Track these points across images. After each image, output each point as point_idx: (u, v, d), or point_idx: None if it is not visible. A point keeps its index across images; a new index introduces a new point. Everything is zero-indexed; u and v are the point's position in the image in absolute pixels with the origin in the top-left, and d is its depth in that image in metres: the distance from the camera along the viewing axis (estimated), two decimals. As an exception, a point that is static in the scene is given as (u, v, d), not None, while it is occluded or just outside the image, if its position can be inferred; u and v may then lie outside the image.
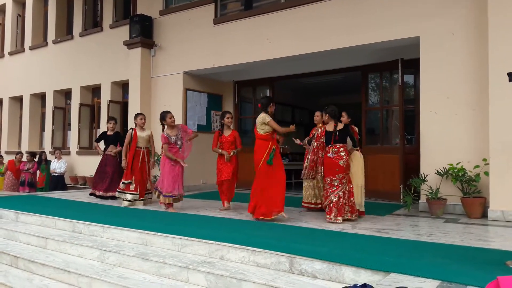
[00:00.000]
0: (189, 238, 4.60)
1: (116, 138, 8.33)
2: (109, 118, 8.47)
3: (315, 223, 5.48)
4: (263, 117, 5.77)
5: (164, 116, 6.76)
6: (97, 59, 11.72)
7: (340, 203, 5.45)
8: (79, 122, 12.10)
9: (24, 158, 12.09)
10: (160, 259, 4.31)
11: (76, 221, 5.83)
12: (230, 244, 4.26)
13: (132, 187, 7.25)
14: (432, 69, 6.56)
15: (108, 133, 8.35)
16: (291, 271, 3.81)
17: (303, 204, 6.66)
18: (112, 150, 8.23)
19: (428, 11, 6.62)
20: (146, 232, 5.00)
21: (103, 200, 8.04)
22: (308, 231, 4.98)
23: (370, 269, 3.42)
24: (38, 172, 11.75)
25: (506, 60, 5.59)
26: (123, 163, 7.41)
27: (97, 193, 8.13)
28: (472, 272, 3.19)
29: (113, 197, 7.98)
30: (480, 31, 6.10)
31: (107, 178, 8.11)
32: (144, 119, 7.57)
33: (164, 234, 4.82)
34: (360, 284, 3.30)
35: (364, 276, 3.43)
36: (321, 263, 3.66)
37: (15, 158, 12.10)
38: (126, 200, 7.26)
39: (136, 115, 7.62)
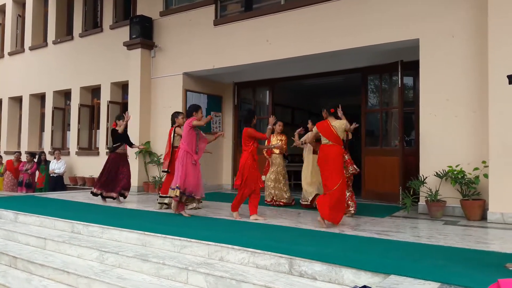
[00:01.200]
0: (188, 239, 4.60)
1: (127, 136, 7.82)
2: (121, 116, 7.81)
3: (314, 224, 5.47)
4: (345, 123, 5.46)
5: (198, 109, 6.38)
6: (97, 60, 11.73)
7: None
8: (79, 122, 12.10)
9: (24, 158, 12.08)
10: (160, 260, 4.30)
11: (75, 221, 5.82)
12: (230, 245, 4.26)
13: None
14: (432, 71, 6.56)
15: (120, 131, 7.61)
16: (291, 272, 3.80)
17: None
18: (123, 148, 7.69)
19: (428, 13, 6.64)
20: (146, 233, 5.00)
21: (113, 200, 7.66)
22: (307, 233, 4.97)
23: (370, 271, 3.42)
24: (37, 172, 11.74)
25: (506, 62, 5.59)
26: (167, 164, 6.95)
27: (113, 194, 7.59)
28: (472, 274, 3.19)
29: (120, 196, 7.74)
30: (480, 33, 6.11)
31: (124, 178, 7.63)
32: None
33: (164, 235, 4.81)
34: (360, 286, 3.31)
35: (364, 278, 3.43)
36: (320, 265, 3.66)
37: (13, 158, 12.09)
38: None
39: (178, 114, 7.18)
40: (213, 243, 4.39)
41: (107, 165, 7.68)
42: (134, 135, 10.01)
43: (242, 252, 4.15)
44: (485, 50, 5.94)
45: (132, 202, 8.21)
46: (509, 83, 3.73)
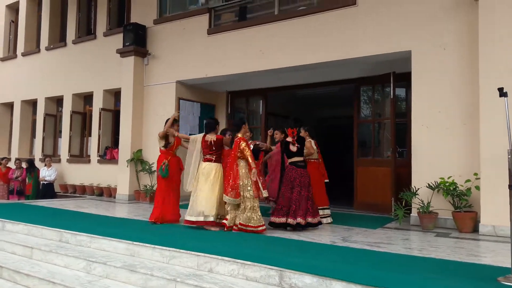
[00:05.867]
0: (177, 250, 4.53)
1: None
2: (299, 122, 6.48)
3: (305, 235, 5.43)
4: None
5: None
6: (90, 67, 11.67)
7: None
8: (70, 129, 11.99)
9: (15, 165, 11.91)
10: (148, 271, 4.23)
11: (63, 230, 5.73)
12: (220, 257, 4.20)
13: None
14: (424, 83, 6.59)
15: (287, 139, 6.16)
16: (281, 285, 3.75)
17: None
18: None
19: (419, 26, 6.68)
20: (134, 243, 4.92)
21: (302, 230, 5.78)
22: (298, 244, 4.93)
23: (360, 283, 3.38)
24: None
25: (497, 75, 5.63)
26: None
27: (296, 221, 5.67)
28: (463, 288, 3.16)
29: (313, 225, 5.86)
30: (471, 45, 6.16)
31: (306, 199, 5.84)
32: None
33: (153, 246, 4.74)
34: (350, 299, 3.26)
35: (354, 291, 3.39)
36: (311, 277, 3.61)
37: (0, 163, 11.91)
38: None
39: (226, 130, 6.52)
40: (203, 254, 4.33)
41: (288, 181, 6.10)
42: (126, 142, 9.97)
43: (231, 263, 4.10)
44: (476, 63, 5.98)
45: (122, 211, 8.12)
46: (500, 96, 3.74)
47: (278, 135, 6.88)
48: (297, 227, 5.69)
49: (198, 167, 6.07)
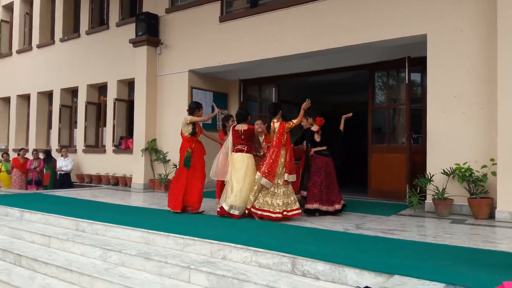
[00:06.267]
0: (191, 238, 4.58)
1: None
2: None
3: (318, 223, 5.42)
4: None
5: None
6: (104, 57, 11.75)
7: None
8: (86, 120, 12.14)
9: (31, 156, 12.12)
10: (162, 258, 4.29)
11: (80, 219, 5.84)
12: (233, 244, 4.23)
13: None
14: (439, 67, 6.45)
15: (312, 128, 6.25)
16: (294, 272, 3.76)
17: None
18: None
19: (436, 9, 6.52)
20: (149, 231, 4.99)
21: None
22: (311, 231, 4.92)
23: (373, 271, 3.37)
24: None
25: (515, 58, 5.48)
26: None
27: (331, 208, 5.97)
28: (478, 275, 3.11)
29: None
30: (489, 29, 5.99)
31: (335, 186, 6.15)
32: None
33: (167, 234, 4.80)
34: (363, 286, 3.26)
35: (367, 278, 3.38)
36: (323, 264, 3.61)
37: (19, 154, 12.14)
38: None
39: (229, 116, 6.68)
40: (216, 242, 4.36)
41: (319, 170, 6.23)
42: (140, 132, 10.05)
43: (244, 251, 4.12)
44: (494, 46, 5.82)
45: (137, 200, 8.23)
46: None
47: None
48: (336, 213, 5.97)
49: (229, 157, 5.95)
